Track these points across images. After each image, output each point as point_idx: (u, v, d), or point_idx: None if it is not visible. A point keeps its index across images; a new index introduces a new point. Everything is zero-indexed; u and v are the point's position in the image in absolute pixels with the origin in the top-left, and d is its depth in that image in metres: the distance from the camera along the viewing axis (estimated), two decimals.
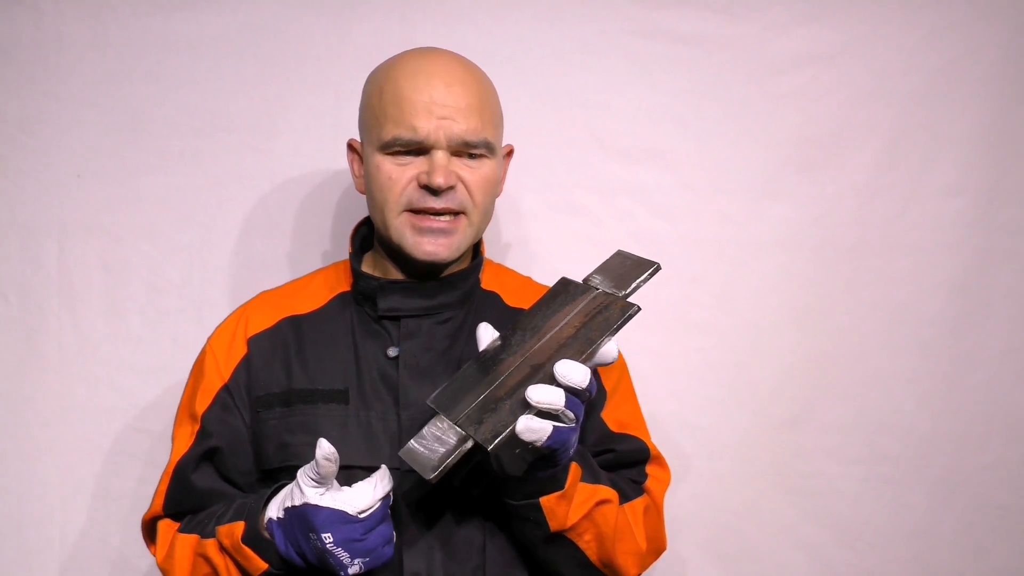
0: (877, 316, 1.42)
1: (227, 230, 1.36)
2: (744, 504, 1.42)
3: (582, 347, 0.88)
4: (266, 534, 0.94)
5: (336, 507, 0.88)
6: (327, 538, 0.88)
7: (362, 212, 1.37)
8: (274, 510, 0.93)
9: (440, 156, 0.98)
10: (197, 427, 1.04)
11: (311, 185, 1.37)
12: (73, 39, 1.33)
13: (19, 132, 1.34)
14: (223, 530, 0.96)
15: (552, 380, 0.85)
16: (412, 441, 0.90)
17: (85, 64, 1.34)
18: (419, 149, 0.98)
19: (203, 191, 1.35)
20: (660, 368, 1.40)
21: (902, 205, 1.41)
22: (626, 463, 1.08)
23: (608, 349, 0.88)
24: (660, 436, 1.39)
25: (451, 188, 0.98)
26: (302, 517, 0.89)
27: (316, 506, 0.89)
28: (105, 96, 1.34)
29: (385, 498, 0.91)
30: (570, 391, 0.85)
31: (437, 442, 0.89)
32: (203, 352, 1.08)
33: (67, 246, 1.35)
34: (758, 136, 1.40)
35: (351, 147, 1.08)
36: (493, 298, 1.10)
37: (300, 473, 0.91)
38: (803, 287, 1.41)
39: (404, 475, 0.96)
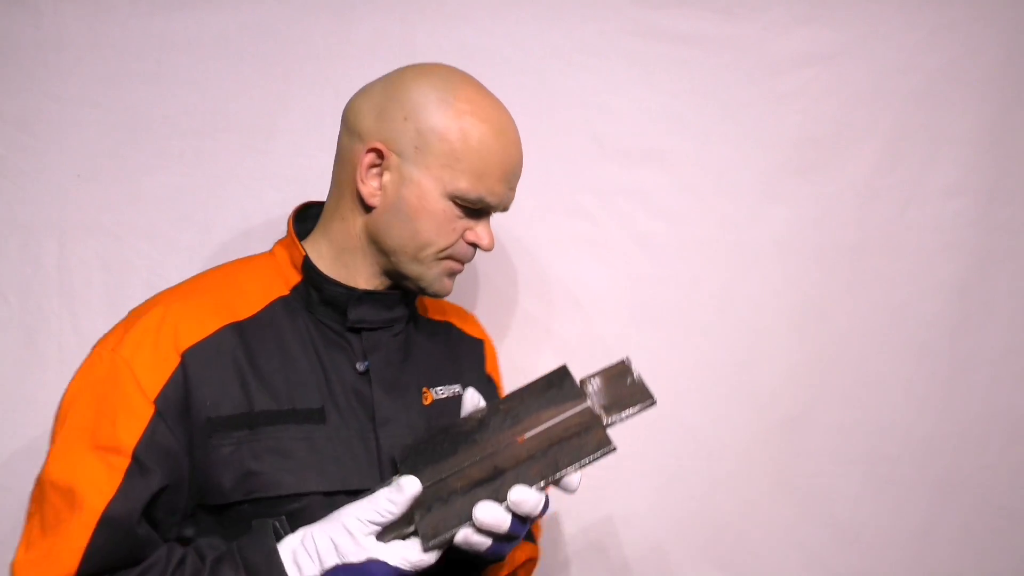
0: (877, 317, 1.42)
1: (227, 230, 1.36)
2: (744, 505, 1.42)
3: (545, 471, 0.86)
4: None
5: (412, 560, 0.81)
6: None
7: None
8: (311, 568, 0.82)
9: (489, 220, 1.00)
10: (126, 462, 0.86)
11: (311, 185, 1.37)
12: (73, 39, 1.33)
13: (19, 132, 1.34)
14: None
15: (504, 497, 0.83)
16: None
17: (85, 64, 1.33)
18: (478, 209, 0.98)
19: (203, 191, 1.35)
20: (660, 369, 1.39)
21: (902, 205, 1.41)
22: None
23: (570, 480, 0.87)
24: (660, 436, 1.40)
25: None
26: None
27: (383, 562, 0.80)
28: (105, 96, 1.34)
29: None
30: (518, 517, 0.84)
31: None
32: (110, 367, 0.89)
33: (67, 246, 1.35)
34: (758, 136, 1.40)
35: (378, 152, 0.95)
36: (415, 308, 1.08)
37: (351, 517, 0.82)
38: (803, 288, 1.41)
39: None
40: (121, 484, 0.85)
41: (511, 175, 0.97)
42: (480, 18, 1.36)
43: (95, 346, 0.95)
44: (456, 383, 1.07)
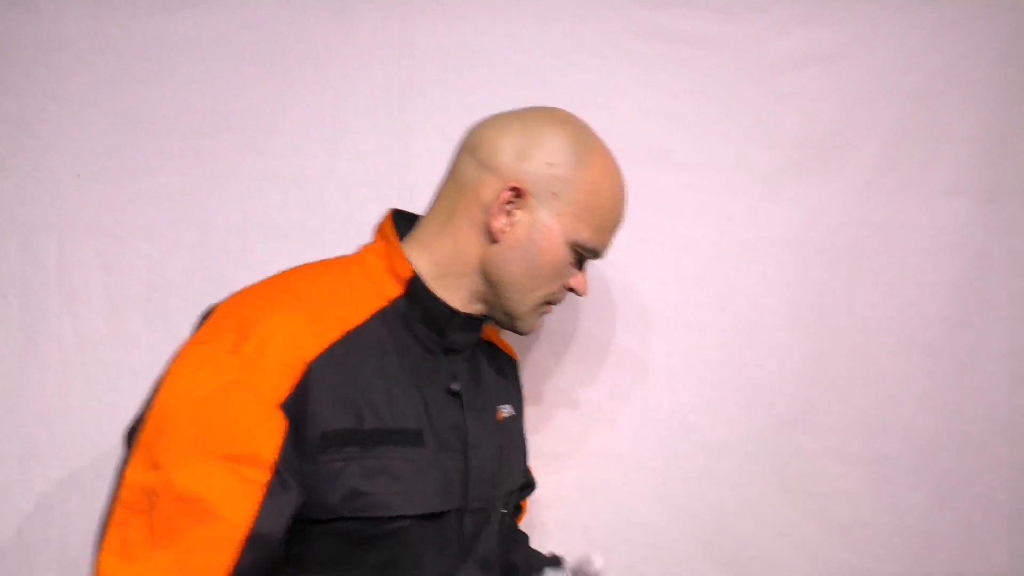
0: (877, 316, 1.42)
1: (227, 230, 1.36)
2: (744, 504, 1.41)
3: None
4: None
5: None
6: None
7: (362, 210, 1.37)
8: None
9: (583, 269, 1.04)
10: (267, 475, 0.81)
11: (311, 185, 1.37)
12: (73, 39, 1.33)
13: (19, 132, 1.34)
14: None
15: None
16: None
17: (85, 64, 1.33)
18: (585, 258, 1.03)
19: (203, 191, 1.35)
20: (659, 368, 1.40)
21: (902, 205, 1.41)
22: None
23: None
24: (659, 436, 1.40)
25: None
26: None
27: None
28: (105, 96, 1.34)
29: None
30: None
31: None
32: (234, 371, 0.83)
33: (67, 246, 1.35)
34: (758, 136, 1.40)
35: (518, 192, 0.96)
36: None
37: None
38: (803, 287, 1.41)
39: None
40: (265, 499, 0.80)
41: (618, 229, 1.05)
42: (480, 18, 1.36)
43: (193, 344, 0.88)
44: (508, 402, 1.10)
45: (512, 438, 1.10)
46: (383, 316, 0.95)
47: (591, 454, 1.39)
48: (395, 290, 0.97)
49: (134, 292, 1.36)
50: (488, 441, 1.00)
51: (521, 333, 1.04)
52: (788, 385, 1.42)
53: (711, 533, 1.42)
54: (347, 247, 1.37)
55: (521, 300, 0.99)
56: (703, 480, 1.41)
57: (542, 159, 0.97)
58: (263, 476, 0.81)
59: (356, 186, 1.37)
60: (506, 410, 1.07)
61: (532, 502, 1.36)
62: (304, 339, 0.87)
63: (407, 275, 0.97)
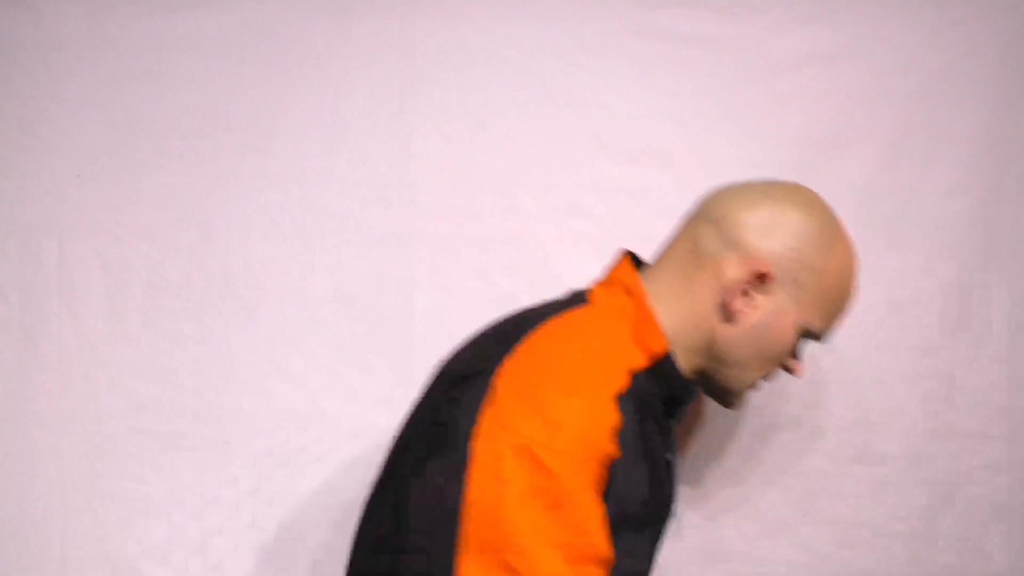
0: (877, 316, 1.42)
1: (227, 230, 1.36)
2: (743, 504, 1.41)
3: None
4: None
5: None
6: None
7: (362, 210, 1.37)
8: None
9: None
10: (605, 572, 0.80)
11: (311, 185, 1.37)
12: (73, 39, 1.33)
13: (19, 132, 1.34)
14: None
15: None
16: None
17: (85, 64, 1.34)
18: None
19: (203, 191, 1.35)
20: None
21: (902, 205, 1.41)
22: None
23: None
24: None
25: None
26: None
27: None
28: (105, 96, 1.34)
29: None
30: None
31: None
32: (563, 468, 0.78)
33: (67, 246, 1.35)
34: (758, 136, 1.40)
35: (764, 278, 0.93)
36: None
37: None
38: None
39: None
40: None
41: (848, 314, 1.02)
42: (480, 18, 1.36)
43: (504, 443, 0.79)
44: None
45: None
46: (633, 389, 0.88)
47: None
48: (638, 361, 0.90)
49: (134, 292, 1.36)
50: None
51: (729, 407, 1.02)
52: (787, 384, 1.42)
53: (711, 532, 1.42)
54: (347, 247, 1.37)
55: (742, 379, 0.98)
56: (703, 479, 1.41)
57: (789, 243, 0.94)
58: (604, 573, 0.79)
59: (356, 186, 1.37)
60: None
61: None
62: (608, 408, 0.83)
63: (660, 351, 0.91)
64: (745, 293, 0.93)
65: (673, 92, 1.39)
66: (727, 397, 1.00)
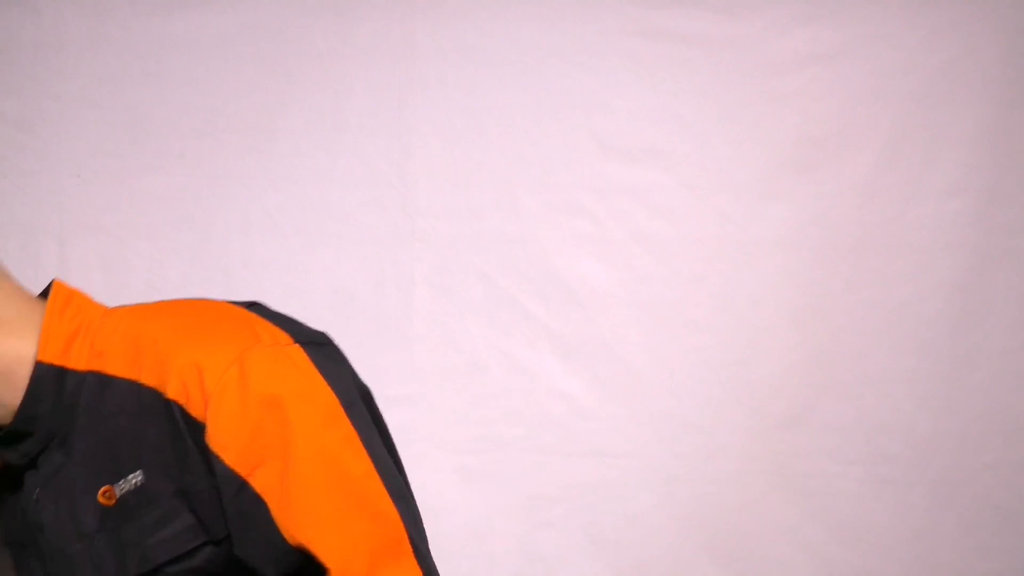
0: (877, 316, 1.42)
1: (227, 230, 1.36)
2: (744, 504, 1.41)
3: None
4: None
5: None
6: None
7: (362, 210, 1.37)
8: None
9: None
10: None
11: (311, 185, 1.37)
12: (73, 39, 1.33)
13: (19, 132, 1.34)
14: None
15: None
16: None
17: (85, 64, 1.34)
18: None
19: (203, 191, 1.35)
20: (659, 367, 1.40)
21: (902, 205, 1.41)
22: None
23: None
24: (659, 435, 1.40)
25: None
26: None
27: None
28: (105, 96, 1.34)
29: None
30: None
31: None
32: None
33: (67, 246, 1.35)
34: (758, 136, 1.40)
35: None
36: (101, 380, 0.90)
37: None
38: (803, 287, 1.41)
39: None
40: None
41: None
42: (480, 18, 1.36)
43: None
44: (135, 469, 0.87)
45: (132, 519, 0.88)
46: None
47: (592, 454, 1.39)
48: None
49: (134, 292, 1.36)
50: (82, 539, 0.87)
51: None
52: (788, 385, 1.42)
53: (711, 532, 1.42)
54: (347, 247, 1.38)
55: None
56: (704, 480, 1.41)
57: None
58: None
59: (356, 186, 1.37)
60: (119, 488, 0.87)
61: (533, 499, 1.36)
62: None
63: None
64: None
65: (673, 92, 1.39)
66: None
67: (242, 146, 1.35)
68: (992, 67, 1.40)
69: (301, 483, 0.83)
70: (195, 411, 0.82)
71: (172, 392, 0.82)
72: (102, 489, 0.85)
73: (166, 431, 0.84)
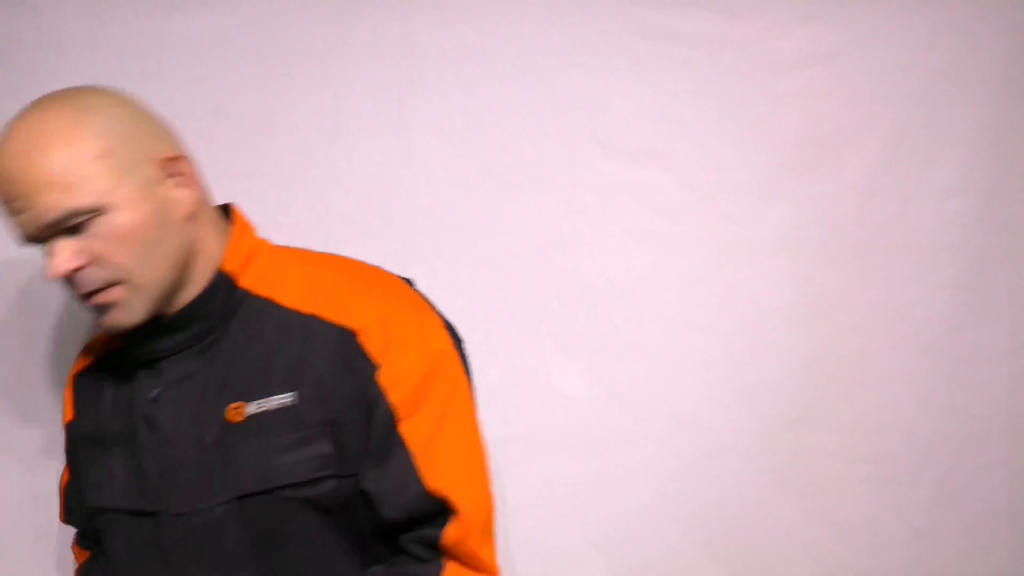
0: (877, 316, 1.42)
1: None
2: (744, 504, 1.42)
3: None
4: None
5: None
6: None
7: (362, 210, 1.38)
8: None
9: (52, 247, 0.90)
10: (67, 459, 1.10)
11: (311, 185, 1.37)
12: (73, 39, 1.33)
13: None
14: None
15: None
16: None
17: (85, 64, 1.34)
18: (38, 239, 0.92)
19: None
20: (660, 367, 1.40)
21: (902, 205, 1.42)
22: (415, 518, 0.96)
23: None
24: (660, 435, 1.40)
25: (80, 269, 0.90)
26: None
27: None
28: None
29: None
30: None
31: None
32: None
33: None
34: (758, 136, 1.40)
35: None
36: (265, 306, 1.00)
37: None
38: (803, 287, 1.41)
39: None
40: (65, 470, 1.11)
41: (8, 202, 0.90)
42: (480, 18, 1.36)
43: None
44: (286, 391, 0.95)
45: (260, 436, 0.95)
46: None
47: (592, 453, 1.39)
48: None
49: None
50: (196, 443, 0.95)
51: (109, 330, 0.97)
52: (788, 385, 1.42)
53: (711, 533, 1.42)
54: (347, 247, 1.37)
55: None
56: (703, 480, 1.41)
57: None
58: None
59: (356, 186, 1.37)
60: (258, 405, 0.95)
61: (533, 498, 1.36)
62: (80, 359, 1.12)
63: None
64: None
65: (673, 92, 1.39)
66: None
67: (242, 146, 1.35)
68: (992, 67, 1.40)
69: (454, 439, 0.97)
70: (373, 351, 0.95)
71: (358, 330, 0.95)
72: (233, 404, 0.95)
73: (337, 363, 0.94)
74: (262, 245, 1.05)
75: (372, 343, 0.95)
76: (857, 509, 1.43)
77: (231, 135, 1.35)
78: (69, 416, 1.08)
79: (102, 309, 0.93)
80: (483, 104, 1.37)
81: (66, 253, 0.90)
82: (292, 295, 0.99)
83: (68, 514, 1.13)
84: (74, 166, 0.89)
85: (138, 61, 1.34)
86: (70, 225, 0.89)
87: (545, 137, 1.37)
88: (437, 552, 0.95)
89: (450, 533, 0.94)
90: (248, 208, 1.36)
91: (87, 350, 1.11)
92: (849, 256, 1.41)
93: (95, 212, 0.89)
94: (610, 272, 1.41)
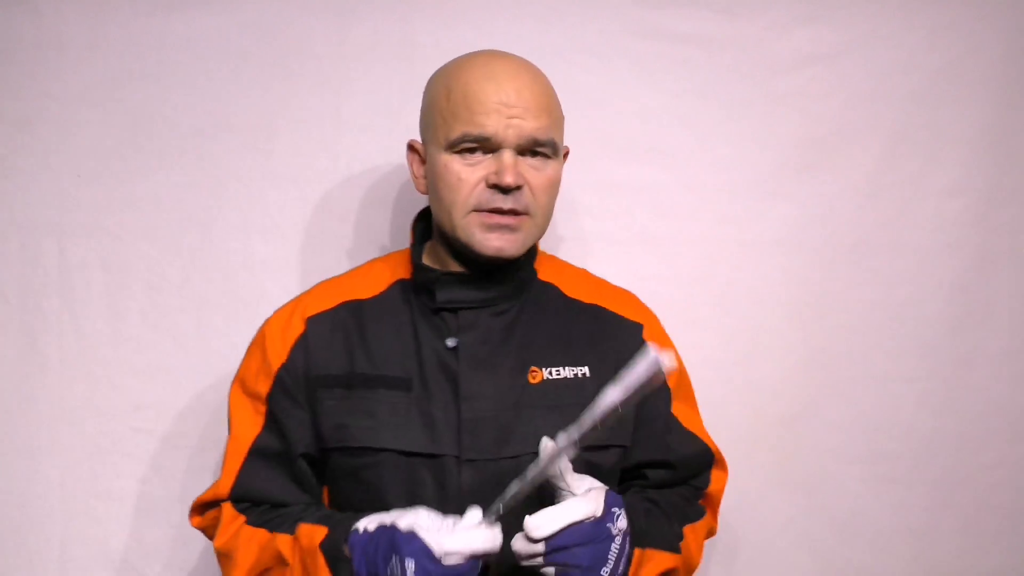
0: (877, 316, 1.42)
1: (227, 230, 1.36)
2: (745, 503, 1.42)
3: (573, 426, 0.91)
4: (346, 550, 0.94)
5: (428, 542, 0.88)
6: (409, 565, 0.87)
7: (362, 210, 1.38)
8: (369, 522, 0.93)
9: (508, 156, 0.99)
10: (264, 408, 1.05)
11: (311, 185, 1.37)
12: (73, 39, 1.33)
13: (19, 132, 1.34)
14: (304, 528, 0.98)
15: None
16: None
17: (85, 64, 1.33)
18: (487, 148, 0.99)
19: (203, 191, 1.35)
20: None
21: (902, 205, 1.42)
22: (690, 471, 1.13)
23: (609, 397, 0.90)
24: None
25: (518, 188, 0.99)
26: (391, 539, 0.89)
27: (412, 534, 0.89)
28: (105, 96, 1.34)
29: (480, 556, 0.89)
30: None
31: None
32: (260, 332, 1.08)
33: (67, 246, 1.35)
34: (758, 136, 1.40)
35: (412, 148, 1.08)
36: (551, 290, 1.11)
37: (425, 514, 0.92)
38: (803, 287, 1.41)
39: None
40: (263, 428, 1.05)
41: (503, 106, 0.98)
42: (480, 18, 1.36)
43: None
44: (582, 364, 1.07)
45: (552, 400, 1.04)
46: (401, 286, 1.09)
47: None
48: (406, 271, 1.10)
49: (134, 292, 1.36)
50: (492, 395, 1.02)
51: (483, 254, 1.01)
52: (788, 384, 1.42)
53: None
54: (347, 247, 1.38)
55: (454, 228, 1.02)
56: None
57: (422, 108, 1.06)
58: (263, 409, 1.06)
59: (356, 186, 1.37)
60: (556, 372, 1.05)
61: None
62: (312, 305, 1.08)
63: (409, 253, 1.11)
64: (411, 169, 1.09)
65: (674, 92, 1.39)
66: (468, 247, 1.02)
67: (242, 146, 1.35)
68: (992, 67, 1.40)
69: (699, 416, 1.19)
70: (654, 343, 1.07)
71: (643, 323, 1.13)
72: (532, 367, 1.05)
73: (631, 348, 1.00)
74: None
75: (651, 337, 1.13)
76: (856, 507, 1.44)
77: (231, 135, 1.35)
78: (280, 360, 1.06)
79: (501, 230, 1.01)
80: None
81: (521, 168, 1.00)
82: (572, 286, 1.13)
83: (255, 458, 1.06)
84: (560, 110, 1.05)
85: (138, 61, 1.34)
86: (528, 150, 1.00)
87: None
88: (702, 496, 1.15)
89: (715, 483, 1.15)
90: (248, 208, 1.36)
91: (313, 299, 1.09)
92: (850, 255, 1.41)
93: (551, 154, 1.02)
94: (610, 271, 1.40)
